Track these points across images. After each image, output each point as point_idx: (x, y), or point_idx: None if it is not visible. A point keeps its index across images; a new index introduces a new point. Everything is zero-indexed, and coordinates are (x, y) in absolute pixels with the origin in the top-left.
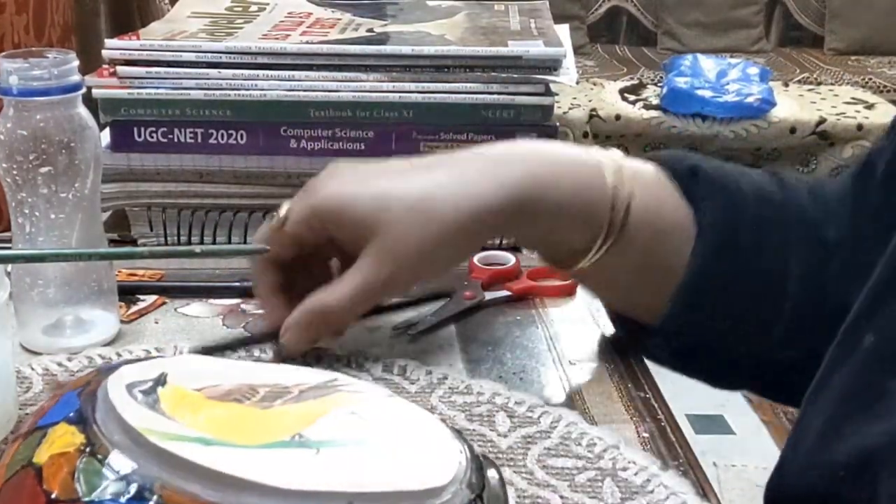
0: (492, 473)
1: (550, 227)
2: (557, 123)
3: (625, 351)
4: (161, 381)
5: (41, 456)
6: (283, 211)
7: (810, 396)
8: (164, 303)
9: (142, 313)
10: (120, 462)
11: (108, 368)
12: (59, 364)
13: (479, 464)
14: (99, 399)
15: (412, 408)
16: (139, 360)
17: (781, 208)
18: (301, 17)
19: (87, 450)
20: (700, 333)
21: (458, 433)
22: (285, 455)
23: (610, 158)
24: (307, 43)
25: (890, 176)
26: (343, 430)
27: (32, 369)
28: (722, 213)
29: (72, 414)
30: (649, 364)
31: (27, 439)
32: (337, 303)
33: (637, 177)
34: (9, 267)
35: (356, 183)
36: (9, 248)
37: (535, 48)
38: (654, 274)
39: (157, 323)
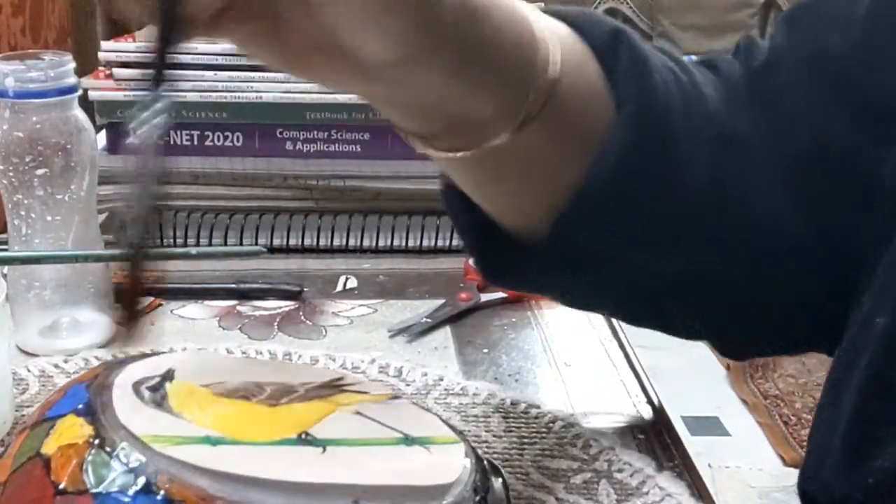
0: (496, 479)
1: (485, 64)
2: None
3: (490, 267)
4: (169, 376)
5: (49, 447)
6: None
7: (831, 391)
8: (159, 304)
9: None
10: (128, 455)
11: (117, 363)
12: (56, 366)
13: (483, 468)
14: (105, 400)
15: (417, 409)
16: (146, 355)
17: (695, 96)
18: None
19: (96, 442)
20: (593, 235)
21: (463, 436)
22: (292, 452)
23: (530, 9)
24: None
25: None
26: (348, 429)
27: (29, 371)
28: (640, 95)
29: (80, 406)
30: (645, 365)
31: (35, 430)
32: None
33: (557, 34)
34: (5, 269)
35: None
36: (5, 250)
37: None
38: (566, 155)
39: (152, 325)
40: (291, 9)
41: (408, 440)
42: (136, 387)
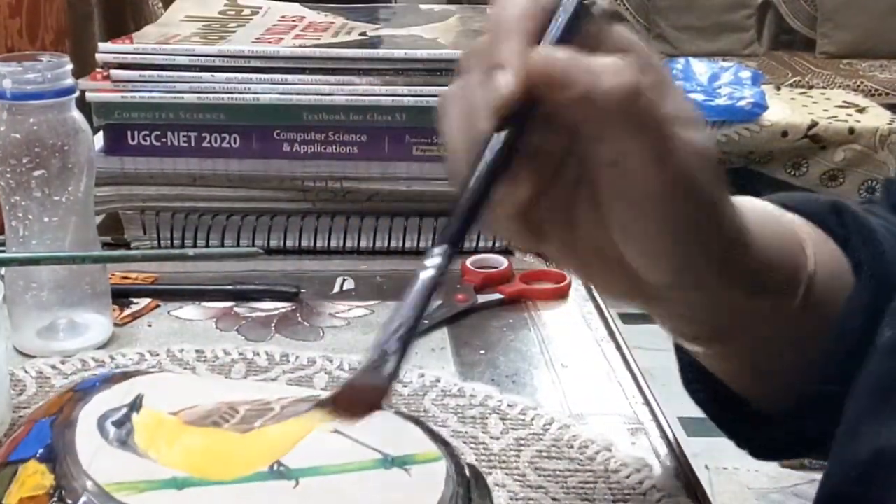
0: (478, 491)
1: (762, 268)
2: None
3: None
4: (136, 405)
5: (11, 499)
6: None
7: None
8: (157, 306)
9: (135, 316)
10: None
11: (84, 389)
12: (53, 367)
13: (466, 481)
14: (69, 440)
15: (397, 420)
16: (117, 375)
17: None
18: (294, 21)
19: (58, 493)
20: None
21: (446, 444)
22: (262, 490)
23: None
24: (300, 47)
25: None
26: (325, 453)
27: (26, 372)
28: (872, 259)
29: (42, 450)
30: (642, 366)
31: None
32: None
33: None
34: (2, 270)
35: None
36: (2, 252)
37: None
38: (817, 329)
39: (150, 326)
40: (588, 219)
41: (386, 462)
42: (101, 422)
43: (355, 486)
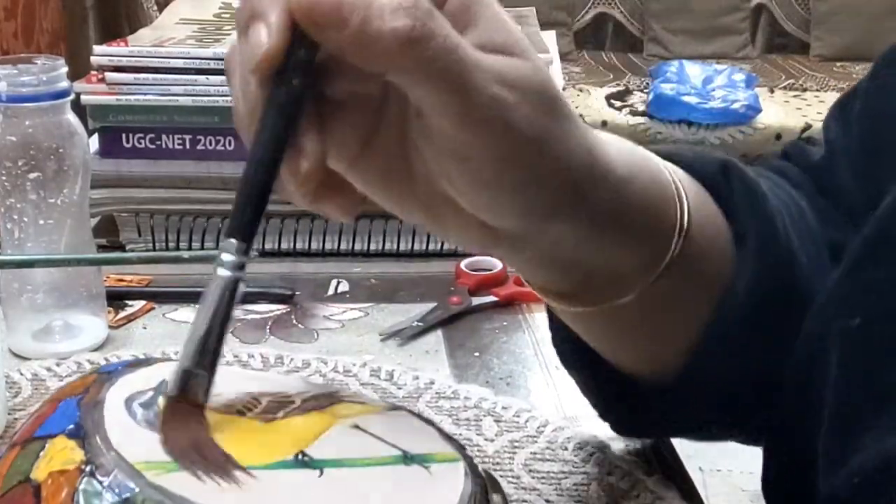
0: (496, 495)
1: (626, 222)
2: None
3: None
4: (162, 390)
5: (39, 472)
6: None
7: (815, 388)
8: (152, 308)
9: (130, 319)
10: (120, 484)
11: (109, 373)
12: (48, 369)
13: (483, 485)
14: (97, 419)
15: (416, 421)
16: (139, 362)
17: (798, 213)
18: None
19: (87, 468)
20: (728, 367)
21: (461, 448)
22: (288, 476)
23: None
24: None
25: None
26: (347, 446)
27: (21, 374)
28: (758, 225)
29: (71, 426)
30: None
31: (24, 450)
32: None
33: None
34: None
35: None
36: None
37: None
38: (697, 295)
39: (145, 328)
40: (420, 170)
41: (406, 458)
42: (128, 403)
43: (378, 479)
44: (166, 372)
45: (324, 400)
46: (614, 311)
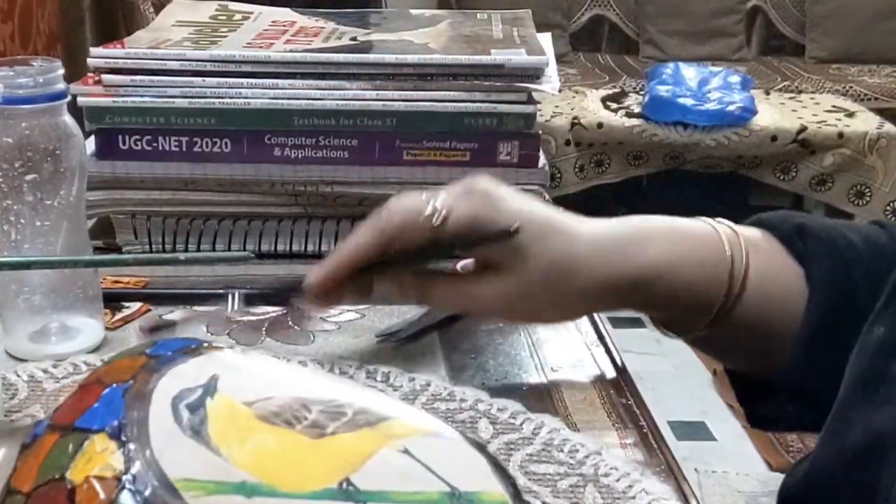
0: None
1: (670, 304)
2: (540, 132)
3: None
4: (211, 389)
5: (76, 473)
6: (439, 207)
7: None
8: (148, 310)
9: (126, 320)
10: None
11: (158, 356)
12: (45, 371)
13: None
14: (141, 418)
15: (466, 449)
16: (189, 348)
17: (893, 257)
18: (285, 26)
19: (125, 478)
20: (814, 386)
21: (505, 472)
22: None
23: (726, 226)
24: (291, 51)
25: None
26: (394, 477)
27: (18, 376)
28: (833, 271)
29: (115, 423)
30: (632, 370)
31: (63, 439)
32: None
33: (750, 243)
34: None
35: (523, 202)
36: None
37: (517, 57)
38: (768, 336)
39: (141, 330)
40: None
41: (454, 497)
42: (175, 403)
43: None
44: (216, 365)
45: (375, 416)
46: (701, 337)
